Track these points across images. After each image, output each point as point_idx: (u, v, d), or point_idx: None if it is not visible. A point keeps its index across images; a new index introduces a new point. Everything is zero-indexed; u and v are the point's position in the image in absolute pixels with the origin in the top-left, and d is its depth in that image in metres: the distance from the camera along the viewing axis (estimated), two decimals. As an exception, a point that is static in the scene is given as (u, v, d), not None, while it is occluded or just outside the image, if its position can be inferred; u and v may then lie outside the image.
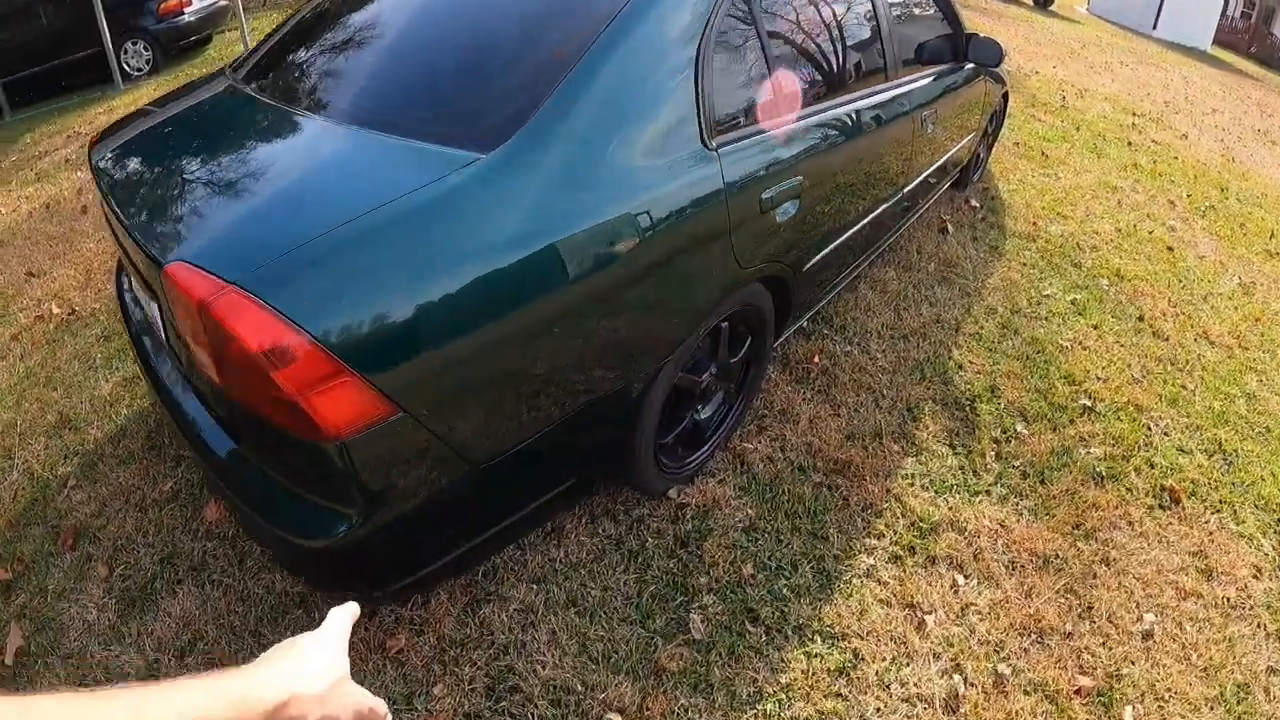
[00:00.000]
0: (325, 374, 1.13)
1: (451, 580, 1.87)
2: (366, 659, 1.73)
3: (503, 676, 1.68)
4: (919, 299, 3.09)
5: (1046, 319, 3.10)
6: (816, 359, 2.63)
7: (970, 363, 2.74)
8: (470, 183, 1.31)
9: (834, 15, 2.25)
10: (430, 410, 1.27)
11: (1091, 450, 2.41)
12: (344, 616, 0.68)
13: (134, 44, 6.91)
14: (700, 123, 1.63)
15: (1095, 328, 3.09)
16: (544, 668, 1.69)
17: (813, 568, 1.93)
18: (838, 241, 2.28)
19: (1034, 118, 5.93)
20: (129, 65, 6.88)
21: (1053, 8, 15.70)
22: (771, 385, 2.50)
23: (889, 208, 2.64)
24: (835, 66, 2.23)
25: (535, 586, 1.88)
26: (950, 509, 2.12)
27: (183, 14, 7.11)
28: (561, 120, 1.41)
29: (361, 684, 0.64)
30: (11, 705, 0.41)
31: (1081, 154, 5.26)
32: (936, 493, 2.18)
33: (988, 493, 2.20)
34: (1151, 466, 2.39)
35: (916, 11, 2.86)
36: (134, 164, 1.68)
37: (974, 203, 4.01)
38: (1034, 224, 3.93)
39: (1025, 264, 3.51)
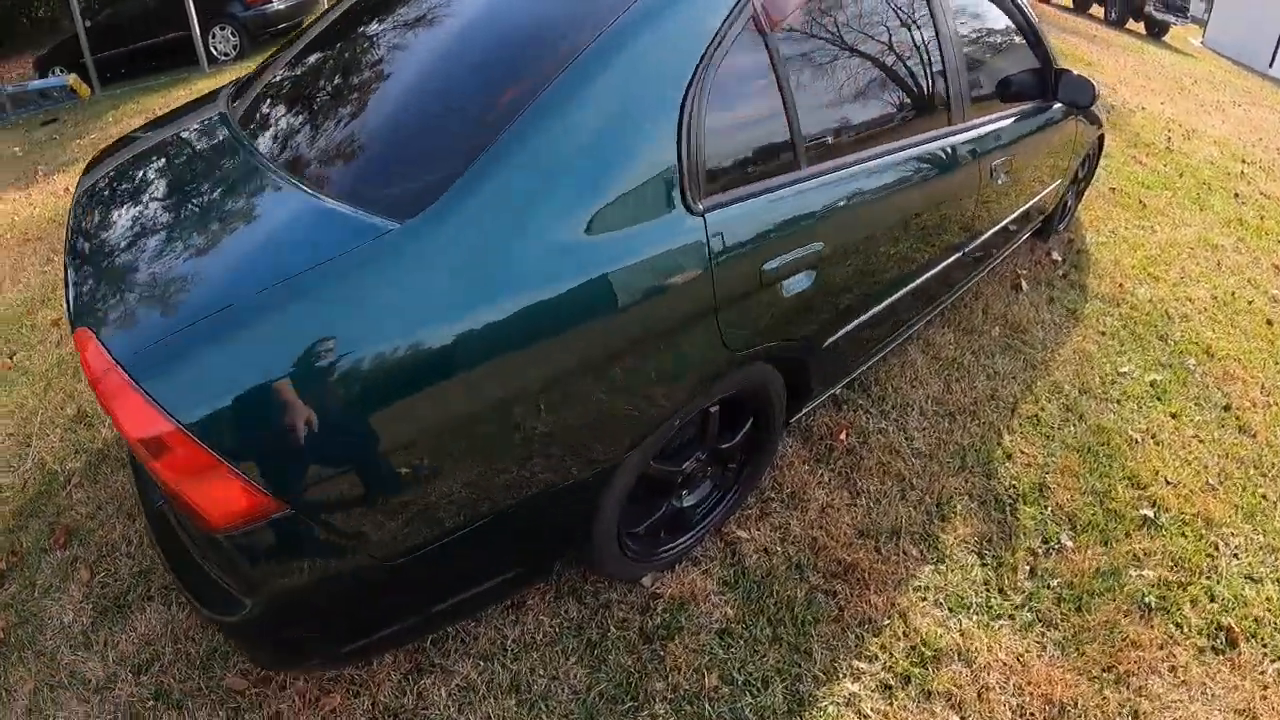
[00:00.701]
0: (202, 466, 1.06)
1: (394, 650, 1.78)
2: (300, 712, 1.69)
3: None
4: (975, 369, 2.79)
5: (1119, 403, 2.76)
6: (843, 435, 2.39)
7: (1022, 452, 2.45)
8: (374, 257, 1.17)
9: (883, 47, 1.96)
10: (324, 508, 1.17)
11: (1145, 573, 2.10)
12: None
13: (222, 29, 7.13)
14: (683, 181, 1.41)
15: (1173, 417, 2.73)
16: None
17: (786, 688, 1.72)
18: (872, 311, 2.03)
19: (1135, 160, 5.39)
20: (216, 50, 7.11)
21: (1166, 38, 14.64)
22: (786, 461, 2.28)
23: (946, 268, 2.36)
24: (880, 109, 1.95)
25: (481, 664, 1.77)
26: (962, 634, 1.87)
27: (270, 2, 7.28)
28: (488, 188, 1.23)
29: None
30: None
31: (1183, 204, 4.74)
32: (950, 611, 1.93)
33: (1011, 618, 1.94)
34: (1211, 598, 2.07)
35: (996, 42, 2.53)
36: (93, 203, 1.59)
37: (1056, 256, 3.64)
38: (1120, 285, 3.53)
39: (1104, 333, 3.15)
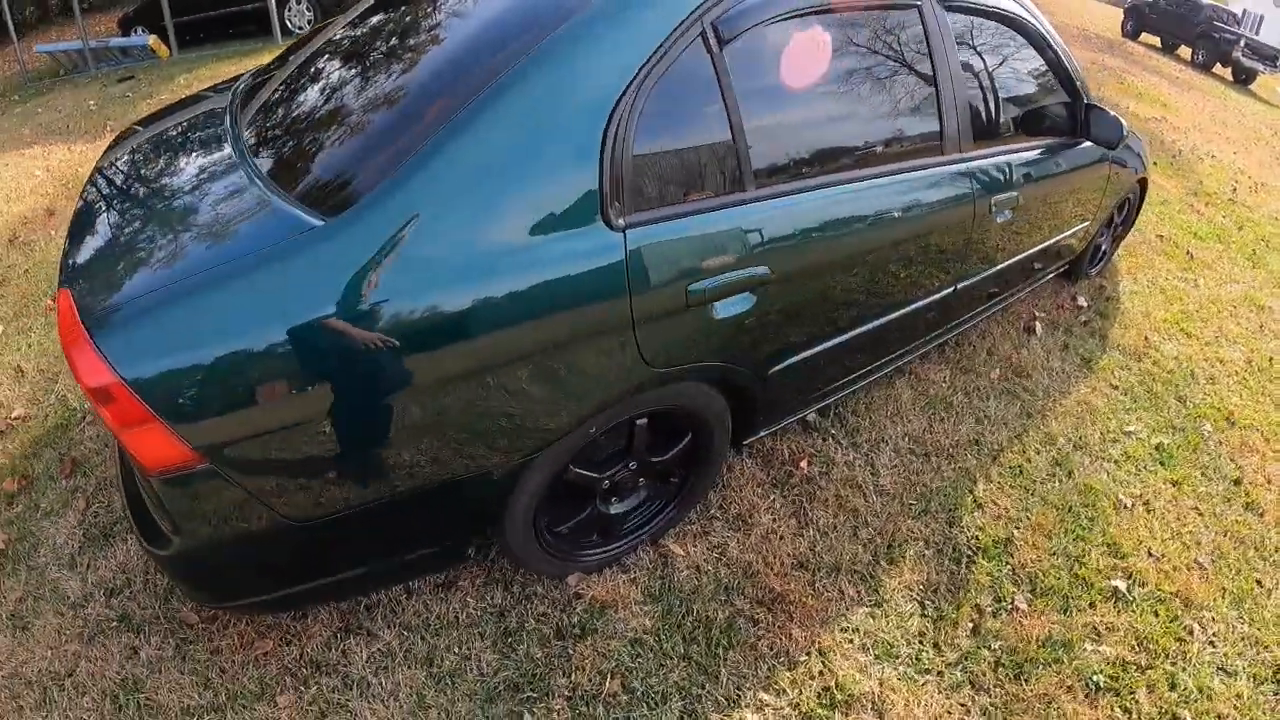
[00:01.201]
0: (137, 418, 1.20)
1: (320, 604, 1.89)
2: (236, 651, 1.83)
3: (337, 709, 1.71)
4: (965, 411, 2.70)
5: (1115, 463, 2.62)
6: (804, 463, 2.35)
7: (994, 503, 2.37)
8: (295, 250, 1.27)
9: (860, 69, 1.89)
10: (240, 468, 1.29)
11: (1101, 649, 2.01)
12: None
13: (298, 3, 7.36)
14: (603, 196, 1.42)
15: (1174, 485, 2.59)
16: (374, 716, 1.69)
17: (684, 707, 1.72)
18: (834, 342, 1.99)
19: (1192, 208, 5.09)
20: (291, 22, 7.36)
21: (1252, 86, 13.86)
22: (740, 481, 2.27)
23: (934, 303, 2.29)
24: (853, 133, 1.90)
25: (404, 634, 1.85)
26: (881, 683, 1.83)
27: (345, -23, 7.49)
28: (405, 191, 1.30)
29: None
30: None
31: (1235, 259, 4.45)
32: (875, 658, 1.89)
33: (940, 675, 1.88)
34: (1172, 686, 1.96)
35: (1015, 72, 2.42)
36: (101, 178, 1.73)
37: (1081, 301, 3.48)
38: (1146, 338, 3.35)
39: (1117, 387, 3.00)
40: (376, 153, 1.38)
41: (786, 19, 1.70)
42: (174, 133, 1.84)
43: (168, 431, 1.21)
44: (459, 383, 1.37)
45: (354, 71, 1.73)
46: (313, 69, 1.82)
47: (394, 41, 1.76)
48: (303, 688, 1.76)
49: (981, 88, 2.23)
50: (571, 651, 1.81)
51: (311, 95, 1.73)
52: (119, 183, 1.67)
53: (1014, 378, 2.90)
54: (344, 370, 1.28)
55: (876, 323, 2.11)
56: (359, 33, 1.87)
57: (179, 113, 1.97)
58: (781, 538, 2.11)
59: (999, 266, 2.52)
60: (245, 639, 1.86)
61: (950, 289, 2.34)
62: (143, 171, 1.69)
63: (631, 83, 1.45)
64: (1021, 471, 2.50)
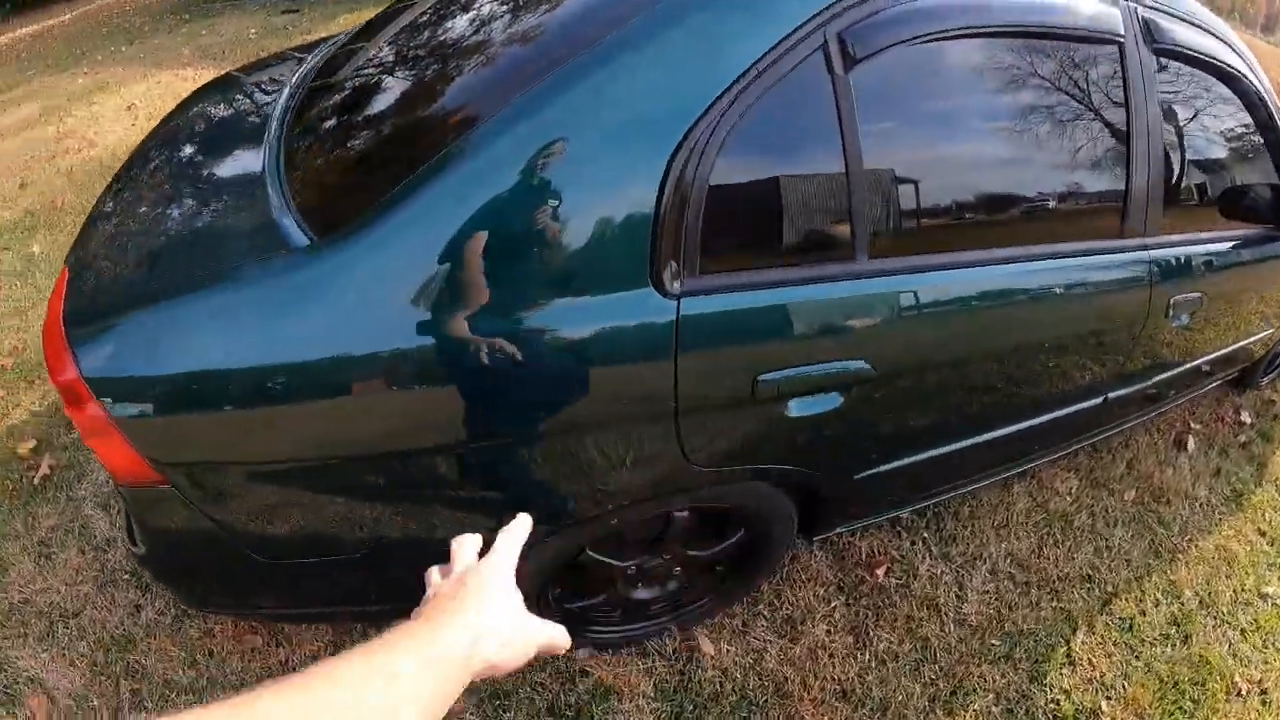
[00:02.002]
0: (101, 426, 1.07)
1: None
2: (229, 638, 1.78)
3: None
4: (1085, 536, 2.27)
5: (1242, 632, 2.12)
6: (882, 570, 2.02)
7: (1090, 661, 1.96)
8: (279, 271, 1.07)
9: (1031, 114, 1.44)
10: (204, 498, 1.16)
11: None
12: (511, 542, 0.66)
13: None
14: (655, 250, 1.09)
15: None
16: None
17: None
18: (942, 451, 1.66)
19: None
20: None
21: None
22: (804, 577, 1.97)
23: (1075, 413, 1.89)
24: (1009, 197, 1.48)
25: None
26: None
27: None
28: (399, 219, 1.04)
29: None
30: (227, 708, 0.43)
31: None
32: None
33: None
34: None
35: (1224, 140, 1.92)
36: (142, 152, 1.61)
37: (1245, 417, 2.87)
38: (1321, 479, 2.74)
39: (1264, 534, 2.44)
40: (373, 172, 1.18)
41: (941, 39, 1.28)
42: (223, 112, 1.70)
43: (129, 446, 1.08)
44: (451, 450, 1.16)
45: (390, 81, 1.51)
46: (361, 68, 1.61)
47: (434, 47, 1.53)
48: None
49: (1181, 154, 1.76)
50: (560, 736, 1.61)
51: (341, 100, 1.52)
52: (152, 161, 1.54)
53: (1151, 502, 2.42)
54: (318, 406, 1.07)
55: (1000, 432, 1.75)
56: (411, 34, 1.64)
57: (251, 75, 1.84)
58: (831, 655, 1.81)
59: (1163, 376, 2.07)
60: (239, 628, 1.79)
61: (1099, 399, 1.93)
62: (175, 153, 1.55)
63: (716, 102, 1.09)
64: (1132, 626, 2.07)
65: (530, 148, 1.04)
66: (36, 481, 2.19)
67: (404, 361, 1.04)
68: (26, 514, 2.10)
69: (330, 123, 1.43)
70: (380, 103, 1.43)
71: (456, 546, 0.64)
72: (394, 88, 1.46)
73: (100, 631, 1.82)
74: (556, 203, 1.04)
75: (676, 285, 1.11)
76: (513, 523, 0.68)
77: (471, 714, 1.64)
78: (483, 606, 0.57)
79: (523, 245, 1.04)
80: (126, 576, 1.92)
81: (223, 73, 1.99)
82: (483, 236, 1.03)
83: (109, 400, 1.04)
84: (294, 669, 1.68)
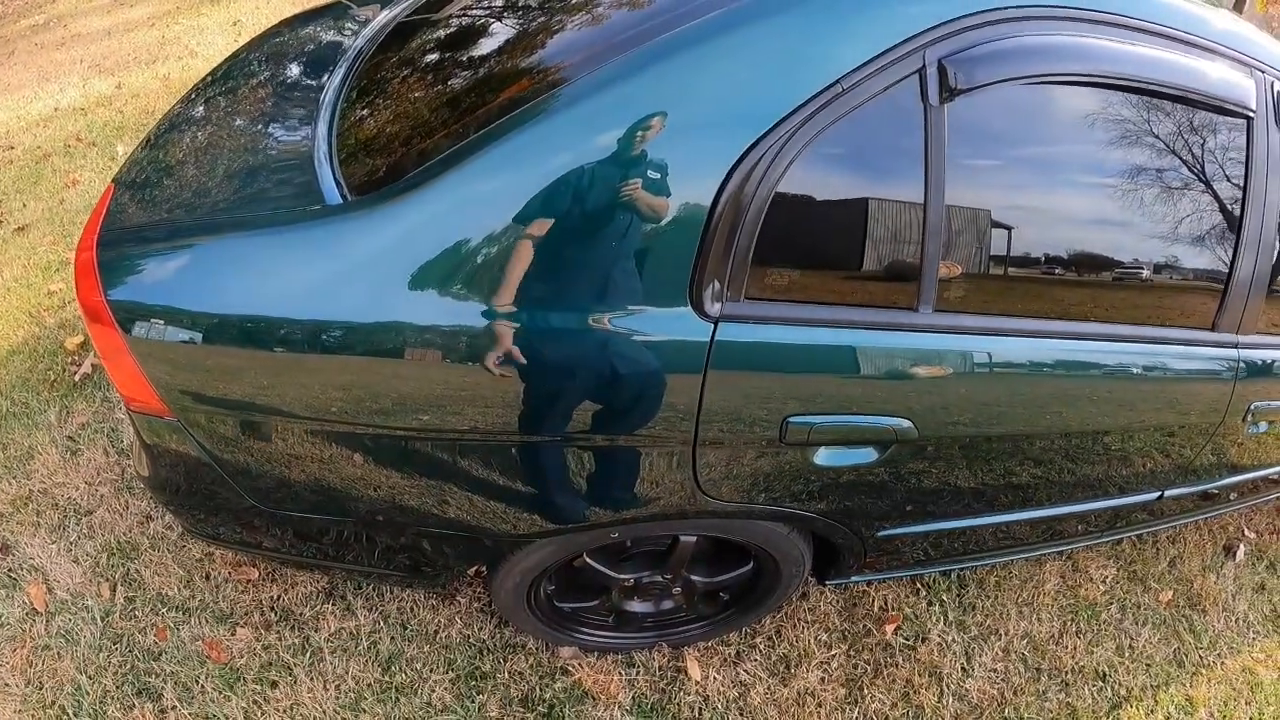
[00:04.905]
0: (117, 349, 1.06)
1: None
2: (224, 566, 1.81)
3: (282, 667, 1.66)
4: (1110, 630, 2.14)
5: None
6: (891, 627, 1.93)
7: (1091, 765, 1.85)
8: (302, 224, 1.05)
9: (1132, 180, 1.31)
10: (208, 438, 1.15)
11: None
12: None
13: None
14: (698, 267, 1.01)
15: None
16: (309, 693, 1.61)
17: None
18: (977, 523, 1.57)
19: None
20: None
21: None
22: (809, 618, 1.89)
23: (1128, 506, 1.78)
24: (1093, 265, 1.35)
25: (379, 625, 1.74)
26: None
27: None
28: (432, 192, 0.99)
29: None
30: None
31: None
32: None
33: None
34: None
35: None
36: (212, 77, 1.59)
37: None
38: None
39: None
40: (418, 137, 1.13)
41: (1054, 81, 1.17)
42: (305, 47, 1.66)
43: (140, 372, 1.07)
44: (453, 434, 1.11)
45: (464, 50, 1.44)
46: (446, 29, 1.55)
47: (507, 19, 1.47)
48: (264, 631, 1.70)
49: None
50: (527, 728, 1.58)
51: (418, 59, 1.46)
52: (218, 88, 1.52)
53: (1186, 608, 2.27)
54: (323, 374, 1.05)
55: (1044, 513, 1.64)
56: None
57: (368, 4, 1.80)
58: (820, 705, 1.74)
59: (1226, 481, 1.93)
60: (237, 561, 1.80)
61: (1155, 495, 1.80)
62: (242, 83, 1.53)
63: (792, 115, 1.00)
64: (1141, 737, 1.94)
65: (580, 136, 0.98)
66: (77, 378, 2.24)
67: (406, 337, 1.01)
68: (62, 407, 2.15)
69: (390, 77, 1.39)
70: (441, 64, 1.39)
71: None
72: (459, 51, 1.42)
73: (108, 535, 1.85)
74: (597, 199, 0.98)
75: (716, 307, 1.04)
76: None
77: (446, 689, 1.62)
78: None
79: (556, 238, 0.99)
80: (143, 486, 1.95)
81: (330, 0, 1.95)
82: (512, 224, 0.98)
83: (127, 326, 1.03)
84: (285, 608, 1.70)
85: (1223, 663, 2.19)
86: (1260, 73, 1.38)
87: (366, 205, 1.02)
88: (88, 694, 1.57)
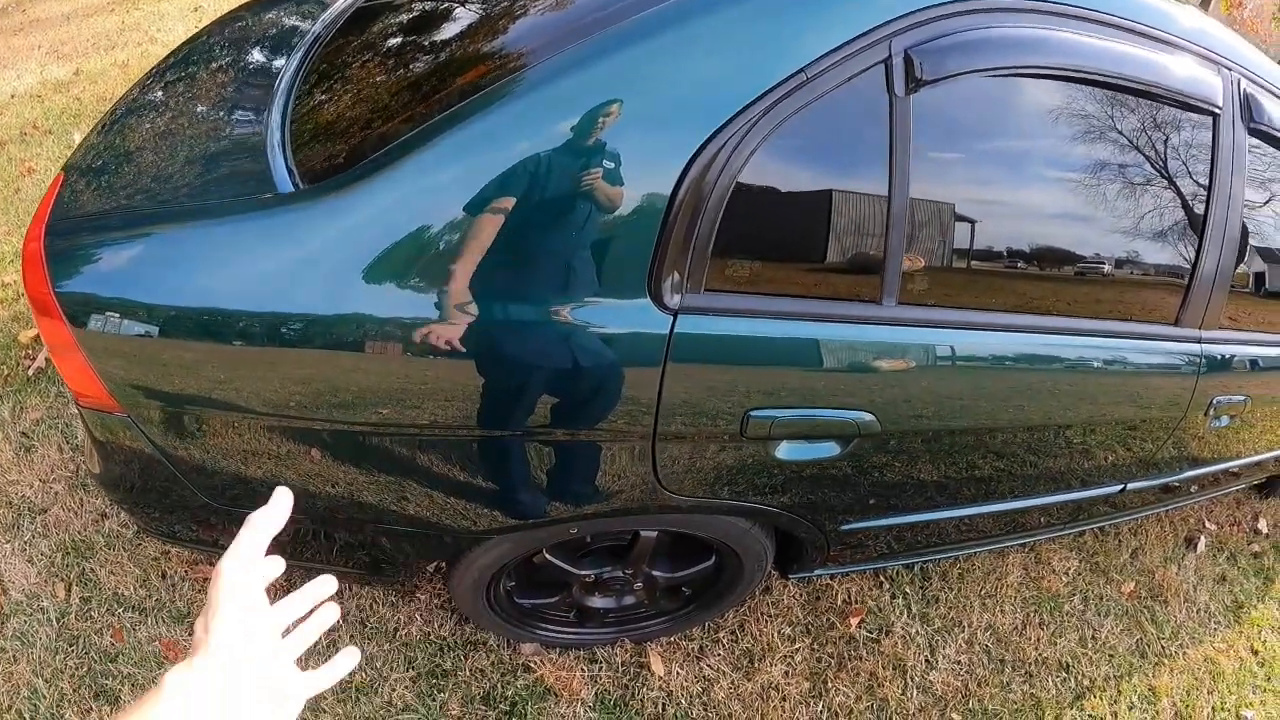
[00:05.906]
0: (66, 343, 1.03)
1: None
2: (182, 564, 1.77)
3: None
4: (1073, 621, 2.17)
5: None
6: (855, 620, 1.94)
7: (1054, 756, 1.87)
8: (246, 213, 1.02)
9: (1095, 174, 1.30)
10: (159, 434, 1.12)
11: None
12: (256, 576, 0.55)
13: None
14: (657, 257, 0.99)
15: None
16: None
17: None
18: (939, 516, 1.58)
19: None
20: None
21: None
22: (773, 612, 1.89)
23: (1092, 499, 1.80)
24: (1058, 260, 1.37)
25: (334, 627, 1.64)
26: None
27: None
28: (380, 182, 0.97)
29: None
30: None
31: None
32: None
33: None
34: None
35: None
36: (164, 65, 1.55)
37: (1262, 525, 2.71)
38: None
39: (1256, 653, 2.30)
40: (367, 134, 1.10)
41: (1022, 74, 1.16)
42: (266, 32, 1.63)
43: (89, 368, 1.04)
44: (414, 436, 1.10)
45: (422, 37, 1.42)
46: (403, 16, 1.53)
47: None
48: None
49: (1257, 248, 1.63)
50: (486, 727, 1.56)
51: (375, 46, 1.44)
52: (171, 74, 1.48)
53: (1148, 599, 2.30)
54: (282, 368, 1.03)
55: (1007, 506, 1.65)
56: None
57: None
58: (784, 699, 1.74)
59: (1188, 474, 1.95)
60: (194, 556, 1.77)
61: (1117, 488, 1.82)
62: (197, 68, 1.49)
63: (755, 103, 0.98)
64: (1099, 727, 1.97)
65: (539, 122, 0.96)
66: (31, 373, 2.18)
67: (366, 330, 0.98)
68: (15, 402, 2.09)
69: (348, 62, 1.36)
70: (402, 49, 1.36)
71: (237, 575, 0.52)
72: (418, 36, 1.40)
73: (63, 533, 1.81)
74: (555, 188, 0.96)
75: (675, 299, 1.03)
76: (263, 514, 0.55)
77: (406, 688, 1.60)
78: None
79: (513, 227, 0.96)
80: (95, 483, 1.90)
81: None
82: (466, 213, 0.96)
83: (76, 320, 1.00)
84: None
85: (1185, 653, 2.22)
86: (1227, 70, 1.39)
87: (316, 194, 1.00)
88: (44, 698, 1.53)
